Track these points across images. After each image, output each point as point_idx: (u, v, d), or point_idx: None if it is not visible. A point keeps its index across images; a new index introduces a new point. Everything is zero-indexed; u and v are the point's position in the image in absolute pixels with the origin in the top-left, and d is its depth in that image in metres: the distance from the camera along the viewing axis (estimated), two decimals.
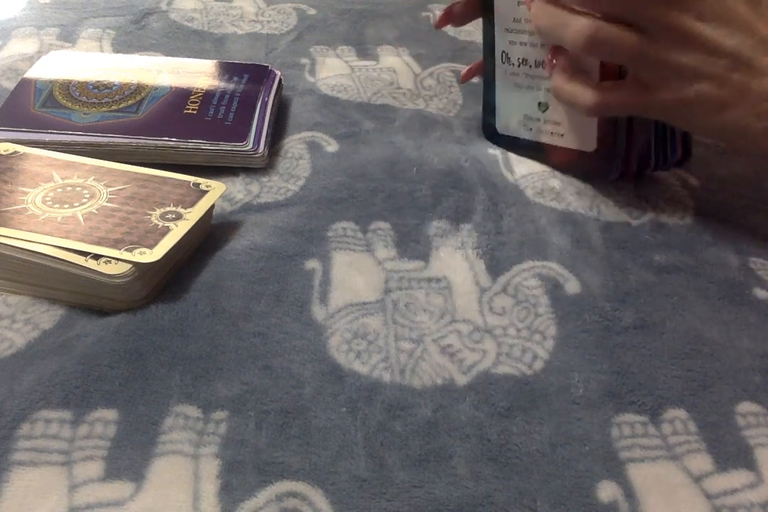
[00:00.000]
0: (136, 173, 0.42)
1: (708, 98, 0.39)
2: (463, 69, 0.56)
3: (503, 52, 0.49)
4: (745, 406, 0.34)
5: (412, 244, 0.42)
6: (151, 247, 0.36)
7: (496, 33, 0.48)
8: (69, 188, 0.40)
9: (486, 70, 0.51)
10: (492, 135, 0.53)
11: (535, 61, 0.47)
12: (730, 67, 0.38)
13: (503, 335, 0.37)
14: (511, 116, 0.51)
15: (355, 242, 0.42)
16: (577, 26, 0.39)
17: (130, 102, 0.49)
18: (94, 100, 0.49)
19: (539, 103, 0.49)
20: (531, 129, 0.50)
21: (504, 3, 0.46)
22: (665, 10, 0.37)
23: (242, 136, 0.47)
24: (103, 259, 0.35)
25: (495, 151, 0.52)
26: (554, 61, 0.44)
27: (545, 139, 0.50)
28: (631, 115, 0.44)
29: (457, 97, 0.59)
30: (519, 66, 0.48)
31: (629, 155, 0.46)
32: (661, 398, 0.34)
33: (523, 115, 0.50)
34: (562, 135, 0.49)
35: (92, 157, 0.43)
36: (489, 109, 0.52)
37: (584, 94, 0.42)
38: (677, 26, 0.38)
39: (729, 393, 0.35)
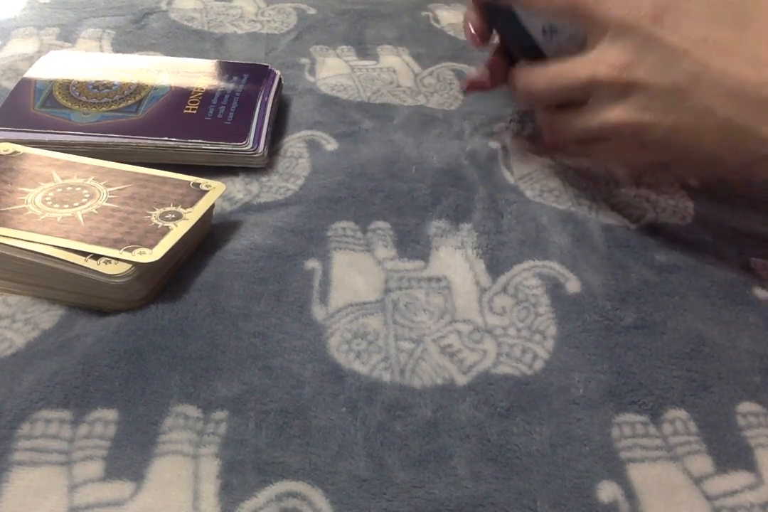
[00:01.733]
0: (136, 173, 0.42)
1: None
2: (467, 75, 0.54)
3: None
4: (746, 406, 0.34)
5: (412, 244, 0.42)
6: (150, 246, 0.36)
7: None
8: (69, 188, 0.40)
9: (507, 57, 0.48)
10: None
11: None
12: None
13: (503, 335, 0.37)
14: None
15: (355, 242, 0.42)
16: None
17: (129, 102, 0.49)
18: (94, 99, 0.49)
19: None
20: None
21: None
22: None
23: (242, 136, 0.47)
24: (103, 259, 0.35)
25: (495, 147, 0.52)
26: None
27: None
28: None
29: (458, 92, 0.59)
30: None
31: None
32: (661, 398, 0.34)
33: None
34: None
35: (92, 157, 0.43)
36: None
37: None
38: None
39: (729, 393, 0.35)
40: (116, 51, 0.61)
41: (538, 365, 0.36)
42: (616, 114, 0.38)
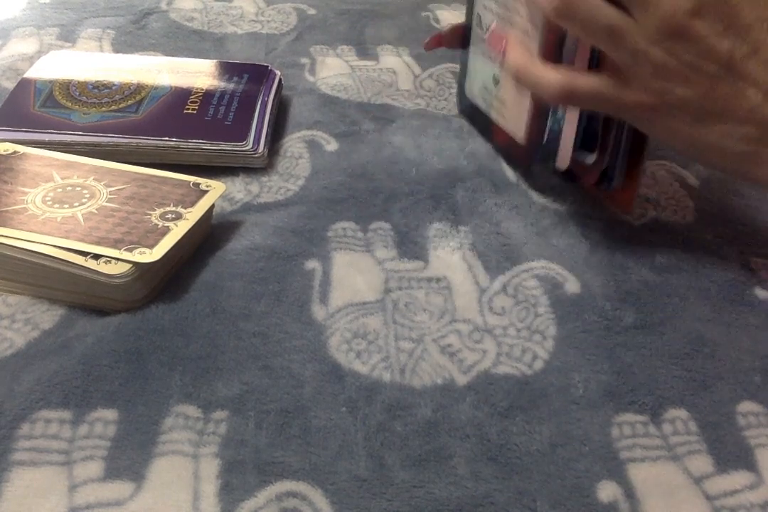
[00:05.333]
0: (136, 173, 0.42)
1: (688, 107, 0.35)
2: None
3: (478, 14, 0.47)
4: (746, 406, 0.34)
5: (412, 244, 0.42)
6: (151, 246, 0.36)
7: None
8: (69, 188, 0.40)
9: (466, 30, 0.50)
10: (461, 97, 0.53)
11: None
12: (718, 74, 0.34)
13: (503, 335, 0.37)
14: (474, 82, 0.50)
15: (355, 242, 0.42)
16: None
17: (129, 102, 0.49)
18: (94, 100, 0.49)
19: (493, 75, 0.46)
20: (485, 100, 0.49)
21: None
22: None
23: (242, 136, 0.47)
24: (103, 259, 0.35)
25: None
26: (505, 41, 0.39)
27: (493, 115, 0.48)
28: (599, 110, 0.39)
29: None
30: (486, 32, 0.46)
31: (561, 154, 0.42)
32: (661, 398, 0.34)
33: (482, 84, 0.48)
34: (504, 116, 0.46)
35: (92, 157, 0.43)
36: (463, 70, 0.52)
37: (549, 77, 0.37)
38: (670, 16, 0.33)
39: (730, 393, 0.35)
40: (116, 51, 0.61)
41: (538, 365, 0.36)
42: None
